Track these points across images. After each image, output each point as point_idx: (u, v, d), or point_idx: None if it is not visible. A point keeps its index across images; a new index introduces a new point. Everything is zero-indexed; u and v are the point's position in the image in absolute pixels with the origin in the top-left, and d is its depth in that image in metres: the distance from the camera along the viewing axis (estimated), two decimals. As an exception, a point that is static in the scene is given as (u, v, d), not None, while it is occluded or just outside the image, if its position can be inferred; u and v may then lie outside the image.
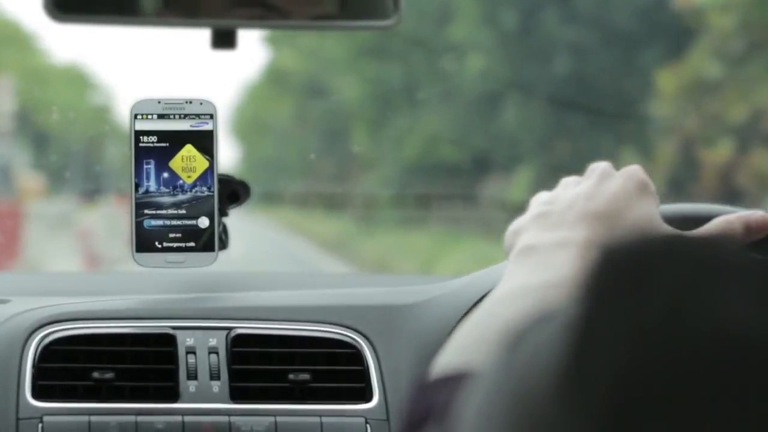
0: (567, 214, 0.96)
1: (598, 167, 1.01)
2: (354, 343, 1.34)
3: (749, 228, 1.02)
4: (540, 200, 1.01)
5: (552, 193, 1.01)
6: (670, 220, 1.01)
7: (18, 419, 1.25)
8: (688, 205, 1.15)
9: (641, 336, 0.50)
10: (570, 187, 1.00)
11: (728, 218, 1.03)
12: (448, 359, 0.85)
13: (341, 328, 1.35)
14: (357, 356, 1.33)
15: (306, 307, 1.37)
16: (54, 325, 1.30)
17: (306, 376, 1.31)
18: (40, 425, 1.25)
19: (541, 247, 0.94)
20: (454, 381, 0.80)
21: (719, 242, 0.54)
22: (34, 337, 1.29)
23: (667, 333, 0.50)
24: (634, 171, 1.00)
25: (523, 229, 0.98)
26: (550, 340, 0.52)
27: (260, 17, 1.32)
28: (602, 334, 0.50)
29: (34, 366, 1.27)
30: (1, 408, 1.25)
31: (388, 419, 1.31)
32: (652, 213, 0.98)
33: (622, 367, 0.50)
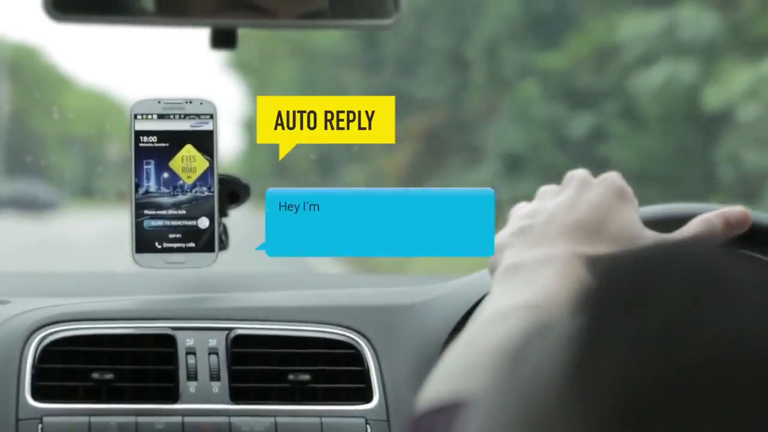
0: (549, 228, 0.96)
1: (576, 175, 1.00)
2: (354, 343, 1.34)
3: (729, 225, 1.03)
4: (520, 213, 1.00)
5: (532, 205, 1.00)
6: (651, 223, 1.01)
7: (18, 420, 1.25)
8: (666, 206, 1.15)
9: (643, 347, 0.50)
10: (549, 197, 1.00)
11: (707, 217, 1.03)
12: (439, 387, 0.83)
13: (341, 328, 1.35)
14: (357, 357, 1.33)
15: (306, 307, 1.37)
16: (54, 325, 1.30)
17: (306, 377, 1.31)
18: (39, 426, 1.25)
19: (525, 265, 0.94)
20: (450, 410, 0.79)
21: (707, 245, 0.54)
22: (34, 338, 1.29)
23: (668, 343, 0.50)
24: (612, 178, 0.99)
25: (505, 246, 0.97)
26: (552, 353, 0.52)
27: (259, 16, 1.32)
28: (604, 346, 0.50)
29: (33, 367, 1.27)
30: (0, 409, 1.25)
31: (388, 420, 1.31)
32: (633, 219, 0.98)
33: (626, 378, 0.50)
